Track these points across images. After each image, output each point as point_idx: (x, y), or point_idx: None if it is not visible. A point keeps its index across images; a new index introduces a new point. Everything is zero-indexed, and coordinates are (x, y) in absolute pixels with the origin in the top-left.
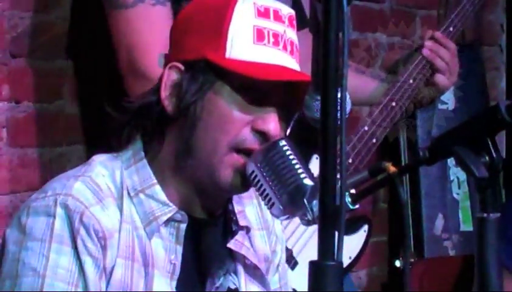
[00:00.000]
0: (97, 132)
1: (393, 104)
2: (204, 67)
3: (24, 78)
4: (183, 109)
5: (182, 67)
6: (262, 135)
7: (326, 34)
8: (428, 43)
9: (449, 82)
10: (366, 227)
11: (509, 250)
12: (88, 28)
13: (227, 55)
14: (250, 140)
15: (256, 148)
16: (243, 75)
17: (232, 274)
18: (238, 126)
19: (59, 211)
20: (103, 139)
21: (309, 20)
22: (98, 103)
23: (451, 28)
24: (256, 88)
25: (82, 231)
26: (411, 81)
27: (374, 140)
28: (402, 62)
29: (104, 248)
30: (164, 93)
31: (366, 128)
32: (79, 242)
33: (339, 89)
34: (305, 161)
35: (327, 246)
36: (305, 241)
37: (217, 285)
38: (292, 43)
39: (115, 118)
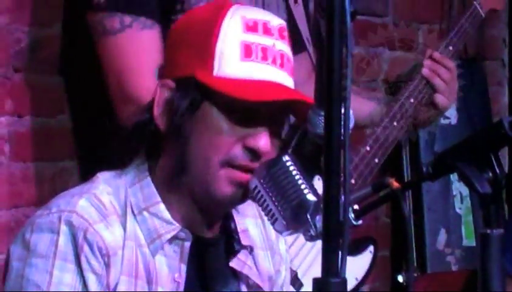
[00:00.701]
0: (96, 149)
1: (395, 123)
2: (193, 85)
3: (27, 93)
4: (175, 128)
5: (173, 84)
6: (252, 152)
7: (330, 50)
8: (427, 62)
9: (448, 101)
10: (372, 247)
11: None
12: (80, 49)
13: (215, 72)
14: (242, 157)
15: (247, 164)
16: (230, 96)
17: None
18: (228, 144)
19: (64, 228)
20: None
21: (314, 36)
22: (93, 120)
23: (450, 48)
24: (245, 107)
25: (86, 248)
26: (412, 100)
27: (376, 160)
28: (403, 78)
29: (107, 265)
30: (157, 111)
31: (368, 148)
32: (83, 259)
33: (343, 105)
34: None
35: (330, 263)
36: (310, 262)
37: None
38: (282, 56)
39: (113, 137)
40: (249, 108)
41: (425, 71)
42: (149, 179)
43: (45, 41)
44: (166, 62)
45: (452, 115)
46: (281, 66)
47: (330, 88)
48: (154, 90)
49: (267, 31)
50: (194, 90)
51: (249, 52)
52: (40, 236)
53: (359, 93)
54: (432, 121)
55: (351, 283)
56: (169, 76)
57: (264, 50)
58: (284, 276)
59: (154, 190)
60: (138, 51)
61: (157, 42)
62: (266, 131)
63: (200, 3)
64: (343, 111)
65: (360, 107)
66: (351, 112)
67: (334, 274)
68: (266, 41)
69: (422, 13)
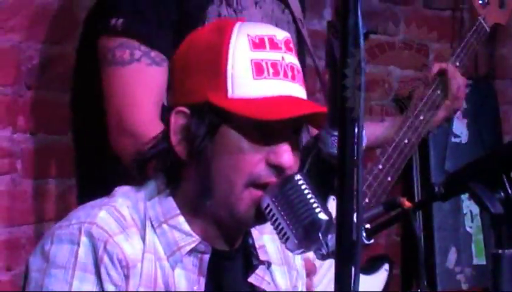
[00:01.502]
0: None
1: (406, 141)
2: (209, 109)
3: (39, 110)
4: (196, 154)
5: (187, 111)
6: (276, 168)
7: (344, 70)
8: (450, 66)
9: (458, 106)
10: (387, 265)
11: None
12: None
13: (230, 94)
14: (265, 175)
15: (272, 181)
16: (248, 117)
17: None
18: (251, 163)
19: (84, 239)
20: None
21: (327, 57)
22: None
23: (457, 63)
24: (263, 125)
25: (106, 259)
26: (421, 117)
27: (389, 179)
28: (411, 96)
29: (127, 277)
30: (174, 139)
31: (380, 167)
32: (102, 270)
33: (356, 125)
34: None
35: (344, 281)
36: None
37: None
38: (292, 68)
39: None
40: (268, 126)
41: (449, 68)
42: (168, 192)
43: (57, 59)
44: (175, 90)
45: (462, 134)
46: (293, 78)
47: (343, 108)
48: (168, 119)
49: (274, 46)
50: (210, 114)
51: (260, 70)
52: (60, 247)
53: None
54: (440, 125)
55: None
56: (181, 103)
57: (274, 65)
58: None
59: (173, 202)
60: (143, 86)
61: (162, 79)
62: (287, 145)
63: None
64: (356, 130)
65: (371, 130)
66: (363, 132)
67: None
68: (275, 55)
69: (433, 32)
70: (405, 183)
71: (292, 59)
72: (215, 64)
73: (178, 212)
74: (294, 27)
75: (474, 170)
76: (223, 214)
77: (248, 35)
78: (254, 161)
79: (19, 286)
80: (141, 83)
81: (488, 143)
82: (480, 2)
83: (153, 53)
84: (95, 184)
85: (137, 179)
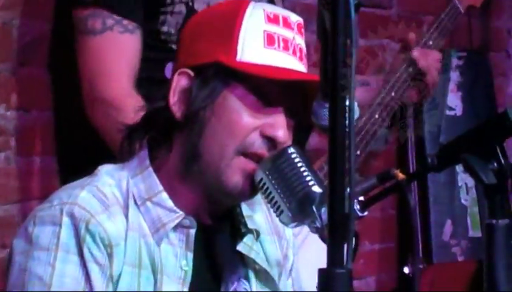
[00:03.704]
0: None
1: (376, 116)
2: (215, 71)
3: (32, 87)
4: (192, 115)
5: (191, 73)
6: (270, 141)
7: (334, 42)
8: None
9: (432, 86)
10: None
11: None
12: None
13: (239, 58)
14: (258, 145)
15: (263, 152)
16: (254, 76)
17: (244, 280)
18: (246, 130)
19: (65, 220)
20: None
21: (318, 28)
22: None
23: (430, 42)
24: (267, 91)
25: (88, 239)
26: (393, 93)
27: (358, 152)
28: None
29: (110, 256)
30: (172, 99)
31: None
32: (85, 250)
33: (347, 97)
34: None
35: (336, 254)
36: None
37: (231, 290)
38: (301, 50)
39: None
40: (271, 92)
41: (415, 54)
42: (150, 169)
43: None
44: (182, 53)
45: (457, 107)
46: (300, 58)
47: (334, 80)
48: (170, 80)
49: (287, 24)
50: (216, 76)
51: (272, 41)
52: (42, 229)
53: None
54: (418, 103)
55: None
56: (186, 66)
57: (285, 41)
58: (292, 261)
59: (156, 179)
60: (116, 54)
61: (135, 47)
62: (284, 121)
63: None
64: (347, 102)
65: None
66: (355, 103)
67: (339, 264)
68: (287, 33)
69: (427, 5)
70: (400, 156)
71: (301, 42)
72: (228, 29)
73: (161, 188)
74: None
75: (467, 140)
76: (210, 180)
77: (264, 10)
78: (250, 128)
79: None
80: (115, 52)
81: (483, 115)
82: None
83: (125, 21)
84: (76, 160)
85: (118, 153)
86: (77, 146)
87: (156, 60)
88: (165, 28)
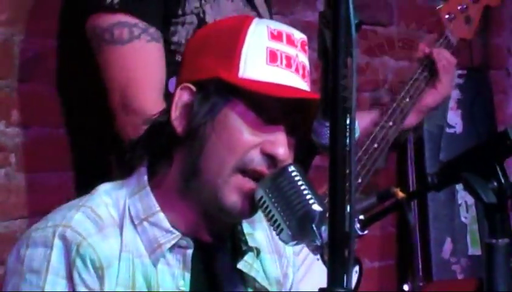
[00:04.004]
0: (94, 160)
1: (390, 123)
2: (216, 87)
3: (33, 103)
4: (194, 130)
5: (193, 88)
6: (270, 158)
7: (335, 61)
8: (435, 49)
9: (449, 86)
10: (357, 267)
11: None
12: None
13: (240, 74)
14: (258, 162)
15: (262, 170)
16: (256, 93)
17: None
18: (246, 146)
19: (57, 242)
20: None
21: (319, 47)
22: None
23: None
24: (268, 108)
25: (78, 262)
26: (407, 99)
27: (375, 157)
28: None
29: (101, 278)
30: (174, 114)
31: (365, 149)
32: (75, 274)
33: (348, 115)
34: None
35: (336, 273)
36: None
37: None
38: (304, 67)
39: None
40: (272, 110)
41: (435, 52)
42: (148, 188)
43: (51, 52)
44: (185, 68)
45: (457, 124)
46: (303, 76)
47: (335, 99)
48: (172, 94)
49: (290, 42)
50: (218, 92)
51: (274, 58)
52: (34, 251)
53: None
54: (432, 107)
55: None
56: (188, 80)
57: (288, 58)
58: (292, 279)
59: (153, 199)
60: (145, 63)
61: (161, 55)
62: (284, 138)
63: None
64: (348, 121)
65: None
66: (356, 122)
67: (340, 284)
68: (290, 50)
69: (427, 22)
70: (400, 174)
71: (305, 60)
72: (231, 45)
73: (158, 208)
74: None
75: (467, 159)
76: (207, 197)
77: (268, 26)
78: (250, 145)
79: None
80: (143, 61)
81: (483, 133)
82: (447, 16)
83: (151, 30)
84: (93, 176)
85: (127, 166)
86: (92, 161)
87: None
88: (175, 39)
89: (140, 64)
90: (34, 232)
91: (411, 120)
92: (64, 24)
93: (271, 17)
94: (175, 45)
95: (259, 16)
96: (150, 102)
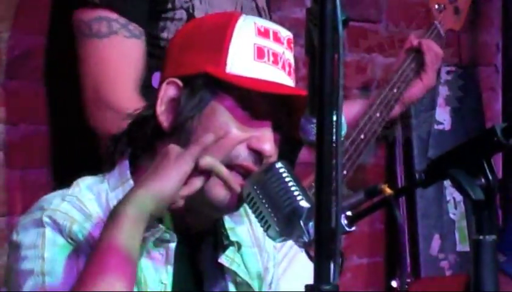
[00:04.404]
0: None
1: (377, 115)
2: (204, 82)
3: (21, 100)
4: (179, 125)
5: (180, 83)
6: (257, 154)
7: (322, 57)
8: (423, 40)
9: (433, 79)
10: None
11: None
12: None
13: (228, 70)
14: (244, 157)
15: (248, 165)
16: (243, 88)
17: None
18: (233, 141)
19: (48, 222)
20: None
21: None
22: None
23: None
24: (254, 103)
25: (74, 237)
26: (394, 90)
27: (361, 148)
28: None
29: None
30: (160, 108)
31: (351, 139)
32: (73, 238)
33: (335, 112)
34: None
35: (323, 269)
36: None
37: None
38: (290, 64)
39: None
40: (258, 106)
41: (424, 44)
42: (131, 182)
43: (39, 49)
44: (170, 64)
45: (445, 121)
46: (289, 73)
47: (322, 95)
48: (159, 88)
49: (277, 39)
50: (204, 88)
51: (262, 54)
52: (26, 233)
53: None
54: (416, 98)
55: None
56: (174, 75)
57: (275, 55)
58: (273, 273)
59: None
60: (121, 58)
61: (141, 52)
62: (271, 135)
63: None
64: (335, 118)
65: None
66: (343, 119)
67: (326, 280)
68: (277, 47)
69: (416, 18)
70: (389, 171)
71: (290, 57)
72: (218, 40)
73: None
74: (257, 14)
75: (455, 156)
76: None
77: (255, 23)
78: (236, 140)
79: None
80: (120, 56)
81: (471, 130)
82: (436, 7)
83: (131, 26)
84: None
85: (109, 159)
86: (74, 157)
87: (155, 69)
88: (164, 35)
89: (117, 59)
90: (22, 220)
91: (395, 111)
92: (51, 21)
93: (269, 7)
94: (165, 41)
95: (257, 6)
96: (123, 97)
